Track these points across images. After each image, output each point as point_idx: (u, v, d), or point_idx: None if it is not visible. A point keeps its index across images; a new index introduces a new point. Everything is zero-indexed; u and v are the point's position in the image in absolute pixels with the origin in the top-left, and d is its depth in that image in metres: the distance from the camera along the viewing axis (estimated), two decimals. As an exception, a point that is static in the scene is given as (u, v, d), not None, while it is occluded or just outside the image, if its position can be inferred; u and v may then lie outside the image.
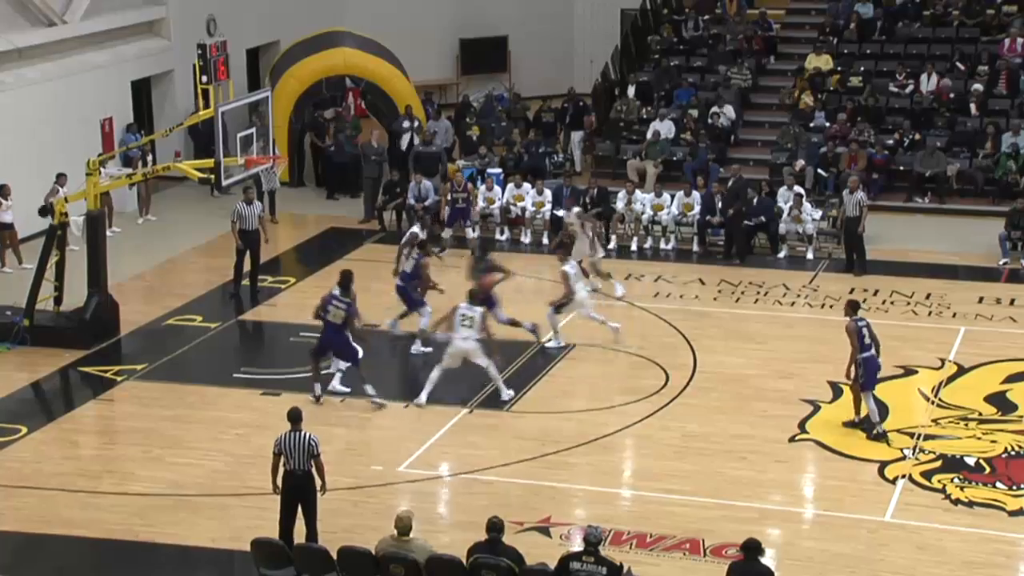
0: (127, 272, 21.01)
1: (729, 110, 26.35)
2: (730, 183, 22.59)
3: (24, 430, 15.86)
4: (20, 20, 23.47)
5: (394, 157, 25.58)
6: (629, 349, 17.98)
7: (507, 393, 16.43)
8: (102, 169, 18.82)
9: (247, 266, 20.39)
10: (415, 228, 19.35)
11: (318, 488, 12.61)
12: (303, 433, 12.51)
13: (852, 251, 21.32)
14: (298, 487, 12.52)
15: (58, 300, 18.84)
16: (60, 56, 24.15)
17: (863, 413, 15.45)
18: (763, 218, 22.22)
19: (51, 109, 23.31)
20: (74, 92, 23.89)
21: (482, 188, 23.65)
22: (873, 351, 15.31)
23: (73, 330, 18.41)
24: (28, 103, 22.92)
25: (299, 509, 12.58)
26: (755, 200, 22.36)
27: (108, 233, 20.00)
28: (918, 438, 15.37)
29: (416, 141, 25.69)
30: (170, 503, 14.05)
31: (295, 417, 12.62)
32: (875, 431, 15.30)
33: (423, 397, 16.34)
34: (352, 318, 16.33)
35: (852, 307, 15.77)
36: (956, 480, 14.35)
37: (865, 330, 15.38)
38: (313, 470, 12.53)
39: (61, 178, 20.83)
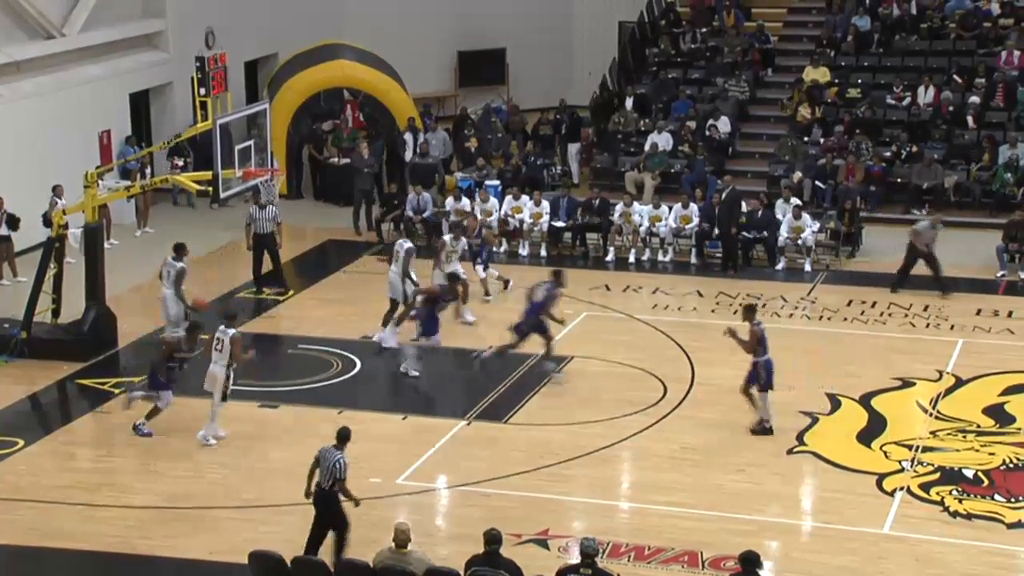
0: (125, 284, 21.00)
1: (724, 122, 26.39)
2: (723, 195, 22.63)
3: (21, 443, 15.83)
4: (18, 33, 23.50)
5: (395, 169, 25.63)
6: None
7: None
8: (100, 181, 18.83)
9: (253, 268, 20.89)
10: (446, 237, 19.93)
11: (352, 504, 12.57)
12: (337, 453, 12.48)
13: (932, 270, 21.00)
14: (321, 501, 12.53)
15: (56, 312, 18.83)
16: (58, 69, 24.17)
17: (758, 416, 15.75)
18: (764, 233, 22.24)
19: (49, 122, 23.31)
20: (72, 105, 23.90)
21: (479, 200, 23.68)
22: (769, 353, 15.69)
23: (71, 342, 18.40)
24: (26, 116, 22.93)
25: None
26: (759, 213, 22.39)
27: (106, 245, 20.00)
28: (916, 450, 15.37)
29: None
30: (168, 516, 14.03)
31: (342, 437, 12.62)
32: (764, 426, 15.67)
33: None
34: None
35: (750, 311, 15.94)
36: (955, 492, 14.34)
37: (764, 333, 15.61)
38: (338, 491, 12.52)
39: (57, 189, 20.86)
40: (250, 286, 21.41)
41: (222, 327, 15.55)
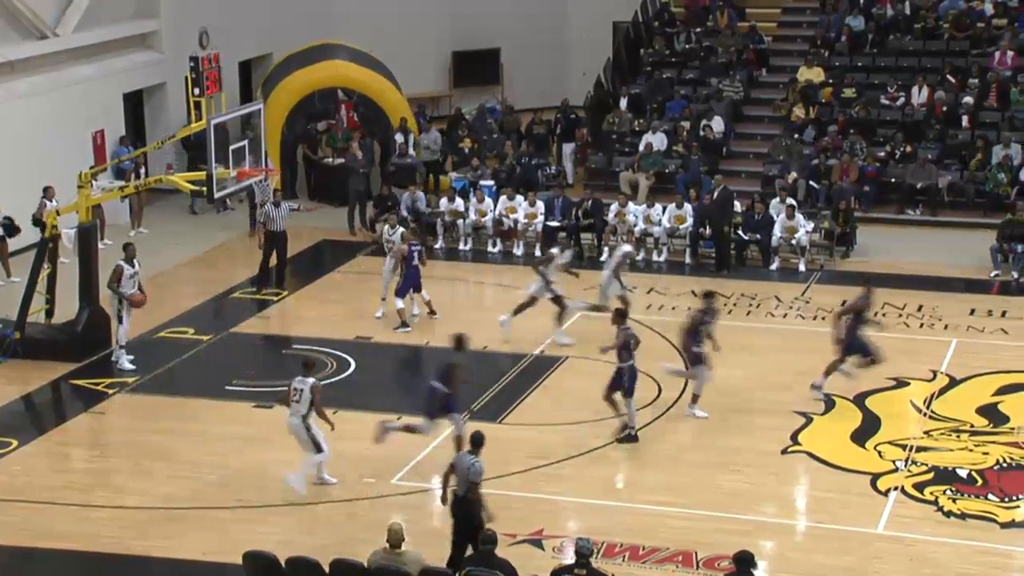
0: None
1: (718, 122, 26.41)
2: (715, 194, 22.65)
3: (15, 443, 15.81)
4: (12, 33, 23.47)
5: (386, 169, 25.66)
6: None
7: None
8: (94, 182, 18.81)
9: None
10: (554, 250, 19.58)
11: (481, 515, 12.41)
12: (472, 458, 12.44)
13: None
14: (459, 509, 12.46)
15: (49, 313, 18.81)
16: (52, 69, 24.14)
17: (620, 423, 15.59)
18: (758, 236, 22.26)
19: (43, 122, 23.28)
20: (66, 105, 23.87)
21: (473, 200, 23.68)
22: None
23: (65, 343, 18.38)
24: (20, 116, 22.90)
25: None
26: (756, 215, 22.40)
27: (100, 246, 19.99)
28: (910, 450, 15.38)
29: (412, 153, 25.82)
30: (162, 516, 14.02)
31: (477, 441, 12.57)
32: (629, 434, 15.51)
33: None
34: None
35: (620, 316, 15.83)
36: (948, 492, 14.36)
37: (631, 339, 15.55)
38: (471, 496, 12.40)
39: (48, 191, 20.81)
40: (245, 286, 21.41)
41: (300, 377, 14.39)
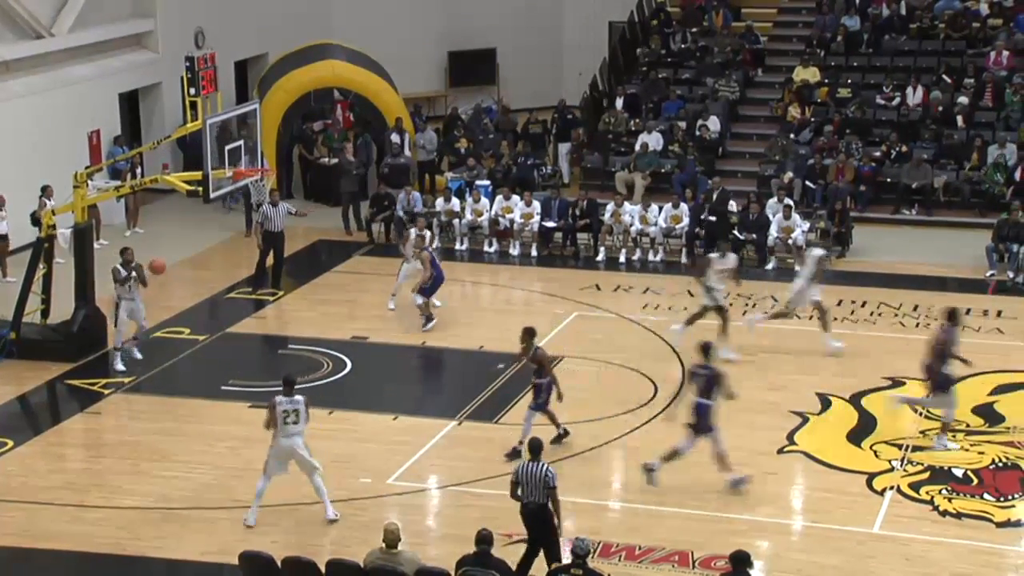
0: (114, 285, 20.91)
1: (714, 121, 26.42)
2: (714, 196, 22.65)
3: (10, 444, 15.80)
4: (7, 33, 23.45)
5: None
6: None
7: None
8: (89, 182, 18.80)
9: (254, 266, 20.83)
10: (713, 255, 18.31)
11: (555, 523, 12.20)
12: (541, 464, 12.24)
13: None
14: (533, 517, 12.22)
15: (45, 313, 18.79)
16: (48, 69, 24.12)
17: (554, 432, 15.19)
18: (754, 236, 22.26)
19: (39, 122, 23.27)
20: (62, 105, 23.85)
21: (469, 200, 23.68)
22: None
23: (60, 343, 18.36)
24: (15, 116, 22.88)
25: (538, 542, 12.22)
26: (752, 215, 22.40)
27: (95, 246, 19.96)
28: (906, 450, 15.39)
29: (407, 153, 25.81)
30: (158, 516, 14.00)
31: (535, 448, 12.37)
32: (516, 449, 14.88)
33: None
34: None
35: (527, 334, 15.19)
36: (944, 492, 14.37)
37: (544, 357, 15.10)
38: (549, 503, 12.16)
39: (47, 190, 20.80)
40: (241, 286, 21.41)
41: (286, 398, 13.51)
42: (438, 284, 19.29)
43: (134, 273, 17.85)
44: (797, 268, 21.44)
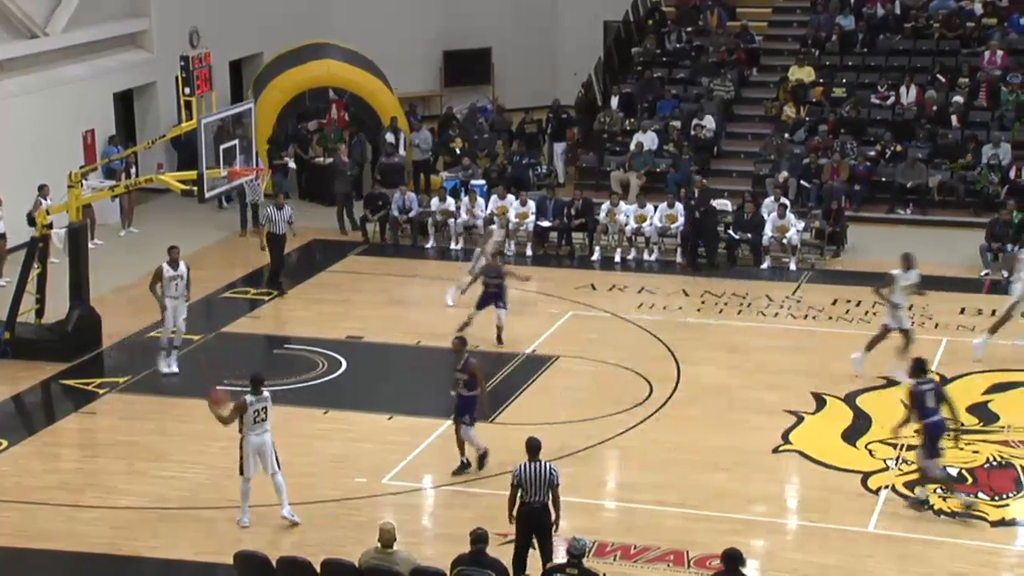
0: (109, 284, 20.94)
1: (710, 121, 26.44)
2: (696, 195, 22.64)
3: (5, 443, 15.79)
4: (1, 32, 23.42)
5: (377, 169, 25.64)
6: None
7: None
8: (84, 181, 18.77)
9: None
10: (895, 271, 17.10)
11: (552, 520, 12.19)
12: (542, 464, 12.24)
13: None
14: (536, 517, 12.17)
15: (39, 312, 18.77)
16: (42, 68, 24.09)
17: (469, 452, 14.83)
18: (749, 235, 22.27)
19: (33, 121, 23.24)
20: (56, 104, 23.82)
21: (465, 200, 23.67)
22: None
23: (55, 343, 18.34)
24: (10, 115, 22.86)
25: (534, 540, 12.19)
26: (746, 215, 22.42)
27: (90, 245, 19.96)
28: (901, 449, 15.40)
29: (403, 153, 25.81)
30: (153, 516, 13.99)
31: (534, 448, 12.36)
32: (463, 462, 14.73)
33: None
34: None
35: (459, 342, 14.96)
36: (939, 491, 14.38)
37: (478, 371, 14.72)
38: (549, 501, 12.16)
39: (43, 189, 20.77)
40: (236, 285, 21.42)
41: (253, 396, 13.51)
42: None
43: (182, 272, 17.59)
44: (1004, 273, 20.72)
